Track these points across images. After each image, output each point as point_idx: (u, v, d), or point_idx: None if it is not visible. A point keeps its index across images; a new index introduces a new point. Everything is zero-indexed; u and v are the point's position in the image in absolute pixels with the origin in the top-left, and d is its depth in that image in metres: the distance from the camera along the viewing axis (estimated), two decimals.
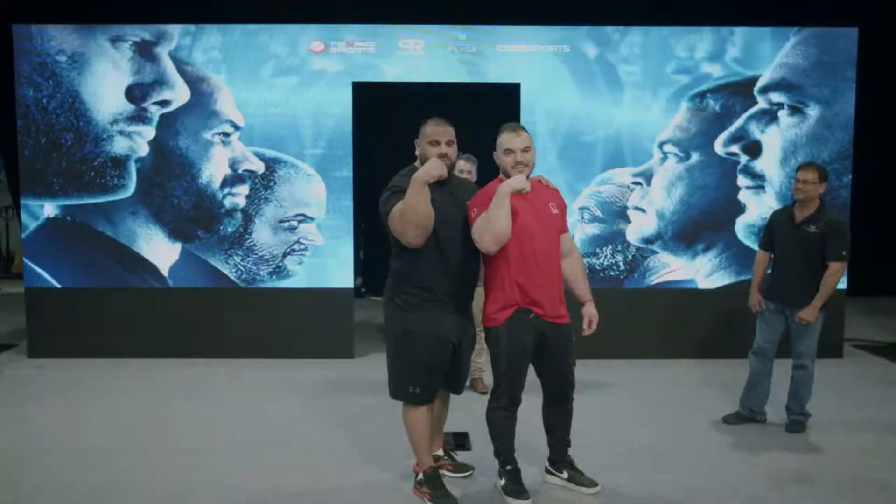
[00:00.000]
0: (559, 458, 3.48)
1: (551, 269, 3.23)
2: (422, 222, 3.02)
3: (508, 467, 3.35)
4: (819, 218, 4.10)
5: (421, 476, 3.35)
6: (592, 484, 3.40)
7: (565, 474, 3.44)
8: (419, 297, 3.19)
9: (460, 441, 4.05)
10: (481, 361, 4.95)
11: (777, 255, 4.32)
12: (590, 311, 3.40)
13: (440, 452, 3.57)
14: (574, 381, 3.39)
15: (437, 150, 3.16)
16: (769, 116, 5.87)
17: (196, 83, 5.75)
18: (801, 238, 4.13)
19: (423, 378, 3.22)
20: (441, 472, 3.44)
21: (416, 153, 3.27)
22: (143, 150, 5.78)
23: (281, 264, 5.87)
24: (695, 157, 5.88)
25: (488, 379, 5.10)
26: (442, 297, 3.20)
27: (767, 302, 4.30)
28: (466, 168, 4.66)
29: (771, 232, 4.35)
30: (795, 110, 5.87)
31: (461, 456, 3.76)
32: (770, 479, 3.59)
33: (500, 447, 3.35)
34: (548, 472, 3.51)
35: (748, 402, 4.38)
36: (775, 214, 4.40)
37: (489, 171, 6.24)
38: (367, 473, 3.63)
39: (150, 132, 5.76)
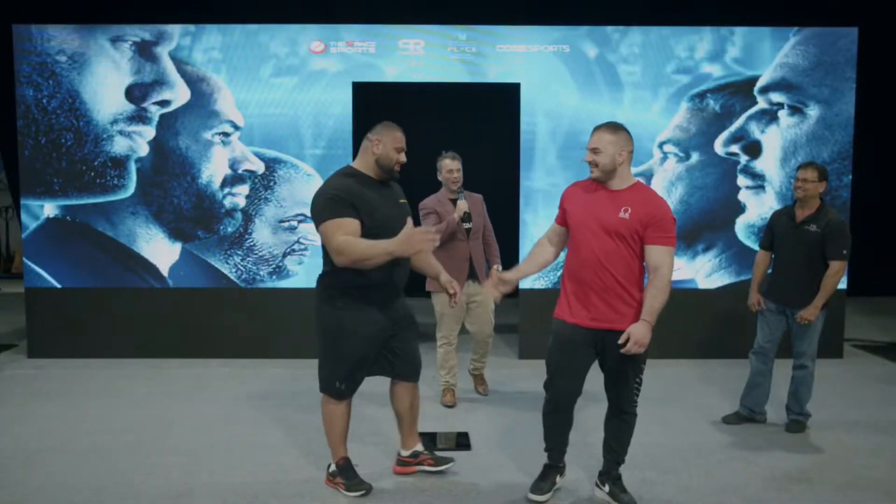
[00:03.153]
0: (605, 471, 3.37)
1: (604, 271, 3.07)
2: (362, 266, 3.07)
3: (545, 461, 3.38)
4: (819, 217, 4.10)
5: (334, 468, 3.42)
6: (632, 503, 3.28)
7: (607, 488, 3.34)
8: (350, 294, 3.20)
9: (461, 441, 4.05)
10: (483, 363, 4.95)
11: (777, 254, 4.32)
12: (631, 328, 3.05)
13: (419, 448, 3.61)
14: (629, 394, 3.21)
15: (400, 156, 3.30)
16: (769, 116, 5.87)
17: (196, 83, 5.75)
18: (801, 238, 4.13)
19: (348, 373, 3.27)
20: (423, 466, 3.55)
21: (374, 151, 3.30)
22: (143, 150, 5.78)
23: (281, 264, 5.87)
24: (695, 157, 5.89)
25: (490, 380, 5.12)
26: (374, 293, 3.22)
27: (768, 301, 4.30)
28: (455, 167, 4.63)
29: (771, 231, 4.35)
30: (795, 110, 5.87)
31: (461, 455, 3.76)
32: (770, 479, 3.59)
33: (544, 438, 3.37)
34: (596, 484, 3.42)
35: (748, 402, 4.38)
36: (776, 214, 4.40)
37: (484, 171, 6.27)
38: (367, 473, 3.62)
39: (150, 132, 5.76)
